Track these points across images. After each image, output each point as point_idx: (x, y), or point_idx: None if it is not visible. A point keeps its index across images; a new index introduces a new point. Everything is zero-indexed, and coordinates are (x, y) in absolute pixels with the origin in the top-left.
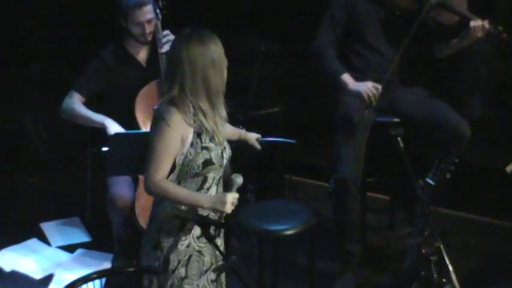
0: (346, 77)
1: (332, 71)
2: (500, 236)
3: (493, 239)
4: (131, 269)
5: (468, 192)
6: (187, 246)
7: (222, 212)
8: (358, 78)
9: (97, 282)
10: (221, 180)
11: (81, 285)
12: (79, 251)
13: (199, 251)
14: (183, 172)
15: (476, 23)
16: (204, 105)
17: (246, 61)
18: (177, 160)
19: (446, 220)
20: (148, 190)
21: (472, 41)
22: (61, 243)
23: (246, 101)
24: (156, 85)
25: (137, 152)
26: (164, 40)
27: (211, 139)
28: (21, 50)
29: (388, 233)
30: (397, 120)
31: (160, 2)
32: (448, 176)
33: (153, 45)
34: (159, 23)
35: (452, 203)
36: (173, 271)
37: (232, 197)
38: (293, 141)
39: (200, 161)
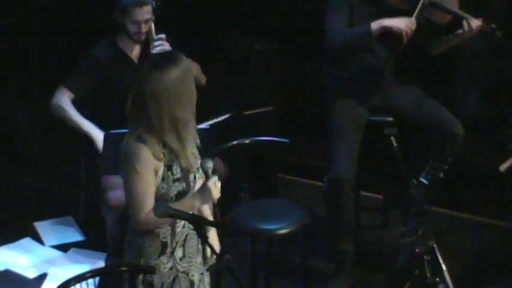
0: (374, 24)
1: (359, 32)
2: (494, 235)
3: (487, 238)
4: (125, 268)
5: (462, 191)
6: (171, 268)
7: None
8: (354, 78)
9: (91, 281)
10: (188, 237)
11: (74, 284)
12: (72, 250)
13: (184, 271)
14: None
15: (469, 21)
16: (172, 140)
17: (239, 60)
18: None
19: (440, 219)
20: (139, 228)
21: (465, 39)
22: (55, 242)
23: (239, 100)
24: None
25: None
26: (157, 43)
27: (183, 168)
28: (14, 47)
29: (381, 232)
30: (391, 119)
31: (154, 2)
32: (441, 175)
33: (145, 43)
34: (152, 24)
35: (446, 202)
36: None
37: (212, 183)
38: (286, 140)
39: (173, 193)
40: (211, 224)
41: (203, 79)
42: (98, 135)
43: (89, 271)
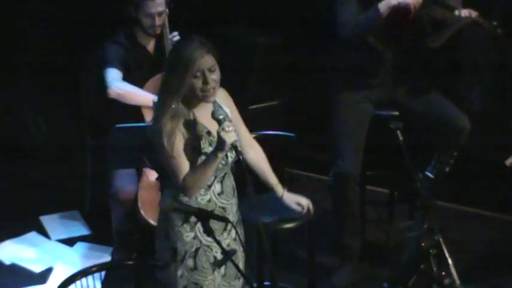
0: (382, 3)
1: (369, 15)
2: (500, 229)
3: (493, 232)
4: (131, 262)
5: (467, 185)
6: (194, 238)
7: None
8: (357, 74)
9: (97, 275)
10: (227, 176)
11: (80, 278)
12: (78, 244)
13: (208, 246)
14: None
15: (462, 11)
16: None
17: (245, 54)
18: None
19: (446, 213)
20: (187, 193)
21: (460, 28)
22: (60, 237)
23: (245, 95)
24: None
25: (139, 145)
26: (171, 42)
27: (212, 143)
28: (19, 41)
29: (387, 226)
30: (397, 113)
31: None
32: (447, 169)
33: (160, 38)
34: (166, 20)
35: (452, 196)
36: (181, 261)
37: (223, 128)
38: (292, 134)
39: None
40: (216, 217)
41: None
42: None
43: (95, 265)
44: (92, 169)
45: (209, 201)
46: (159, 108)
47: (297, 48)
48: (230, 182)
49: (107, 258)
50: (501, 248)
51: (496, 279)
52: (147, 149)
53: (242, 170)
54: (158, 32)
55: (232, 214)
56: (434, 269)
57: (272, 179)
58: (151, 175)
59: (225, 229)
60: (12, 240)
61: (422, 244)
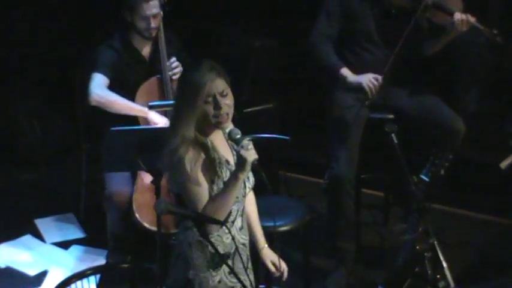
0: (345, 71)
1: (330, 65)
2: (495, 232)
3: (487, 235)
4: (126, 265)
5: (462, 188)
6: (219, 282)
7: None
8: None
9: (92, 278)
10: (244, 210)
11: (75, 281)
12: (73, 247)
13: (232, 287)
14: None
15: (459, 15)
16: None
17: (240, 57)
18: None
19: (441, 216)
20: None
21: (457, 35)
22: (55, 240)
23: (240, 98)
24: (156, 81)
25: (134, 148)
26: (176, 69)
27: (231, 172)
28: (14, 44)
29: (382, 229)
30: (391, 116)
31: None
32: (442, 172)
33: (155, 42)
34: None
35: (447, 199)
36: None
37: (244, 149)
38: (287, 137)
39: None
40: (213, 221)
41: None
42: (151, 114)
43: (90, 268)
44: (87, 172)
45: (233, 238)
46: (173, 137)
47: (293, 51)
48: (244, 257)
49: (101, 261)
50: (496, 251)
51: (491, 282)
52: (143, 151)
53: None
54: (154, 34)
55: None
56: (429, 272)
57: (258, 229)
58: (146, 178)
59: (247, 267)
60: (7, 243)
61: (417, 247)
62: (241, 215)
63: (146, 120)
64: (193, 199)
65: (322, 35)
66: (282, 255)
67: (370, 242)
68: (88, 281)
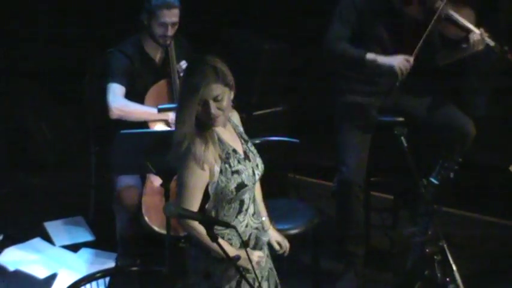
0: (371, 55)
1: (354, 56)
2: (504, 235)
3: (497, 238)
4: (135, 268)
5: (472, 191)
6: (236, 272)
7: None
8: (363, 80)
9: (101, 281)
10: (255, 196)
11: (84, 284)
12: (83, 250)
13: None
14: (218, 200)
15: (477, 36)
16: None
17: (250, 60)
18: (209, 190)
19: (450, 219)
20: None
21: (472, 53)
22: (65, 243)
23: (249, 101)
24: (165, 84)
25: (143, 151)
26: (179, 70)
27: (240, 160)
28: (23, 46)
29: (391, 232)
30: (401, 119)
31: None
32: (452, 175)
33: (167, 49)
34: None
35: (456, 202)
36: None
37: (257, 256)
38: (296, 140)
39: (233, 186)
40: (221, 223)
41: None
42: (172, 116)
43: (99, 271)
44: (96, 175)
45: (247, 226)
46: (179, 132)
47: (302, 54)
48: (257, 202)
49: (111, 264)
50: (506, 254)
51: (501, 285)
52: (152, 154)
53: None
54: (168, 42)
55: (264, 233)
56: (439, 275)
57: (262, 211)
58: (156, 181)
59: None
60: (16, 246)
61: (427, 250)
62: (253, 202)
63: (164, 122)
64: (182, 199)
65: (337, 38)
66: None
67: (380, 245)
68: (97, 284)
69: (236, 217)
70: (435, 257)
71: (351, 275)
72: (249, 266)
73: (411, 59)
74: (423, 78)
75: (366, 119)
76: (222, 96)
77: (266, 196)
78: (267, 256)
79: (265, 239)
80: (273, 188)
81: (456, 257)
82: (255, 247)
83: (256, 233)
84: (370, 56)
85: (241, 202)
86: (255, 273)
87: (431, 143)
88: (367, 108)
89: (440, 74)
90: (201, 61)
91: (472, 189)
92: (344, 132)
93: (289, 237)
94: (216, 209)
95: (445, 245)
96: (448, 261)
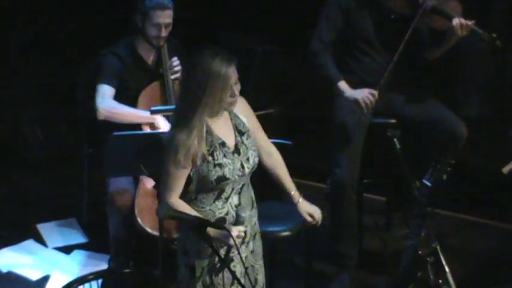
0: (342, 84)
1: (329, 77)
2: (497, 238)
3: (490, 240)
4: (128, 270)
5: (465, 193)
6: (211, 254)
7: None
8: (355, 82)
9: (94, 283)
10: (245, 187)
11: (77, 286)
12: (75, 252)
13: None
14: (200, 184)
15: (458, 20)
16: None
17: (243, 62)
18: (191, 174)
19: (443, 221)
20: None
21: (457, 40)
22: (58, 245)
23: None
24: (158, 86)
25: (136, 153)
26: (177, 68)
27: (227, 154)
28: (16, 49)
29: (384, 234)
30: (394, 121)
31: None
32: (444, 177)
33: (159, 50)
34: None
35: (449, 204)
36: (199, 278)
37: (237, 230)
38: (289, 142)
39: (213, 178)
40: (214, 225)
41: None
42: (158, 119)
43: (92, 273)
44: (89, 177)
45: (227, 214)
46: (180, 123)
47: (295, 56)
48: (249, 193)
49: (104, 266)
50: (498, 256)
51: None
52: (145, 156)
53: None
54: (161, 44)
55: (251, 226)
56: (432, 276)
57: (289, 186)
58: (148, 183)
59: (243, 242)
60: (9, 248)
61: (420, 252)
62: (239, 193)
63: (150, 126)
64: (166, 184)
65: (323, 43)
66: (283, 261)
67: (372, 246)
68: (90, 285)
69: (214, 202)
70: (428, 258)
71: (343, 277)
72: (232, 242)
73: (376, 93)
74: (415, 80)
75: (358, 121)
76: (237, 78)
77: (259, 198)
78: (252, 252)
79: (244, 215)
80: (266, 190)
81: (449, 259)
82: (236, 224)
83: (236, 210)
84: (341, 84)
85: (221, 191)
86: (237, 248)
87: (424, 145)
88: (360, 113)
89: (433, 74)
90: (215, 52)
91: (465, 191)
92: (337, 135)
93: (282, 240)
94: (198, 191)
95: (438, 247)
96: (441, 263)
